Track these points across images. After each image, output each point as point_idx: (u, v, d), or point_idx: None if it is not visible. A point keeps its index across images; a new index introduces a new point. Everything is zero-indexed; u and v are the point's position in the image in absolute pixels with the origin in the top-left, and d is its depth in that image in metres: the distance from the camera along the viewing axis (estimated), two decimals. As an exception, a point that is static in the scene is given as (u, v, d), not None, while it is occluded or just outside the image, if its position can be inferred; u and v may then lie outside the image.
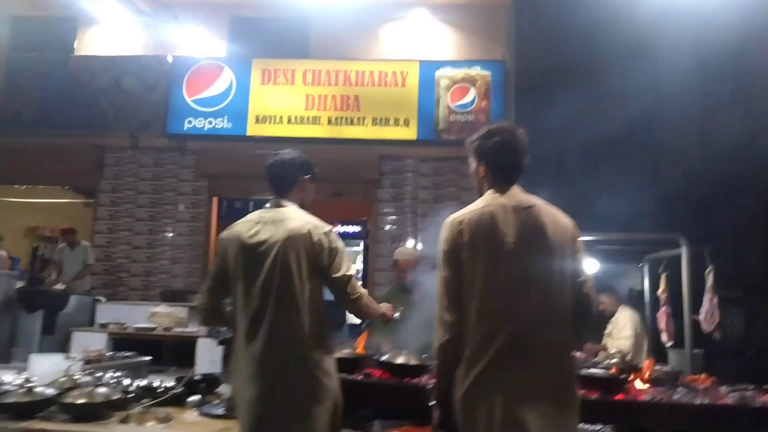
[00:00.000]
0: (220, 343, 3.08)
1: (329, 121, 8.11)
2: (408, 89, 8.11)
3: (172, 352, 5.87)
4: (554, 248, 1.83)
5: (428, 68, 8.12)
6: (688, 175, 7.83)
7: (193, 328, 5.66)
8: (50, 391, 2.75)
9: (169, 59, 8.31)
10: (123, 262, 8.21)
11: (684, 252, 5.12)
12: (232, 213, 9.84)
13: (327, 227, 2.28)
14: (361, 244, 8.77)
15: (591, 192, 7.30)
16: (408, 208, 8.21)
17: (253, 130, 8.16)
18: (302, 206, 2.41)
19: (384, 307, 2.69)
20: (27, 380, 2.82)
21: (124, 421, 2.68)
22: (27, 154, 8.31)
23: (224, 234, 2.43)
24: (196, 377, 3.30)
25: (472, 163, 2.11)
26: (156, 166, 8.40)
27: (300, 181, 2.43)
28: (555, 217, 1.93)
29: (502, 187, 1.96)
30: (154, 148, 8.38)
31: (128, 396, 2.85)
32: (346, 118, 8.11)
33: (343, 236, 8.79)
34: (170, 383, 3.23)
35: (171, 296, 7.55)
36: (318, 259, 2.20)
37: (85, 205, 13.13)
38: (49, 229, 12.00)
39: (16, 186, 9.70)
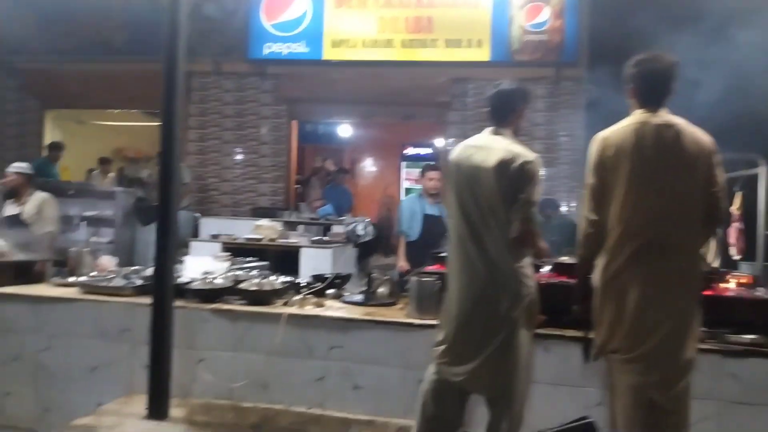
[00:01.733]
0: (356, 246, 3.57)
1: (402, 44, 8.30)
2: (481, 9, 8.15)
3: (275, 259, 6.58)
4: (691, 162, 2.17)
5: (502, -14, 8.12)
6: None
7: (294, 240, 6.30)
8: (226, 282, 3.38)
9: (248, -17, 8.54)
10: (213, 181, 8.88)
11: (762, 171, 5.34)
12: (311, 136, 10.40)
13: (531, 156, 2.40)
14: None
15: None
16: (479, 130, 8.46)
17: (329, 54, 8.43)
18: (516, 133, 2.56)
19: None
20: (206, 273, 3.45)
21: (288, 305, 3.30)
22: (118, 80, 8.87)
23: (455, 155, 2.61)
24: (327, 276, 3.90)
25: (626, 86, 2.38)
26: (238, 90, 8.85)
27: (518, 110, 2.56)
28: (694, 134, 2.24)
29: (649, 108, 2.27)
30: (236, 73, 8.80)
31: (286, 286, 3.46)
32: (419, 41, 8.27)
33: (415, 158, 9.26)
34: (306, 280, 3.84)
35: (261, 213, 8.24)
36: (516, 185, 2.33)
37: (158, 127, 13.90)
38: (133, 150, 12.87)
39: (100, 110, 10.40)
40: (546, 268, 3.00)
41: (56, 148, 8.28)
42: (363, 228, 3.46)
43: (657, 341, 2.06)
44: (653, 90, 2.29)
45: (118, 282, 3.44)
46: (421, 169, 5.02)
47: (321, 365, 3.05)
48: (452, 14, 8.17)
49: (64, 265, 4.47)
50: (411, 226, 4.70)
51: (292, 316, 3.08)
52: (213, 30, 8.62)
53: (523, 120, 2.62)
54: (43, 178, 8.06)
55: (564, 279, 2.96)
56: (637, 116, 2.28)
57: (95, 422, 2.77)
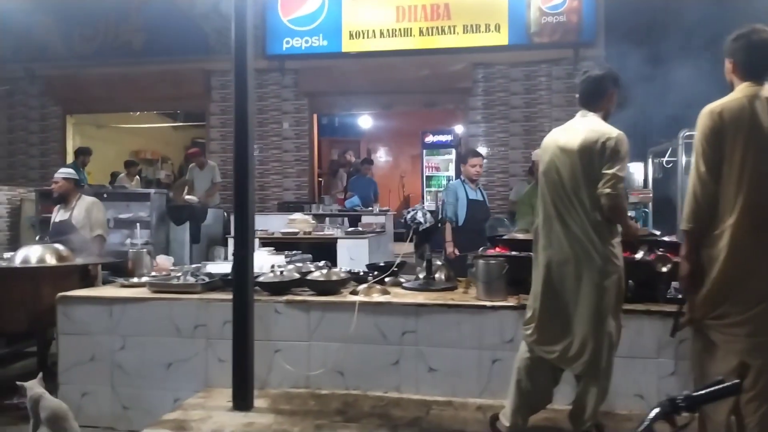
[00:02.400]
0: (415, 231, 3.62)
1: (420, 32, 8.33)
2: (498, -6, 8.18)
3: (311, 252, 6.66)
4: None
5: (518, -30, 8.12)
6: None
7: (330, 231, 6.38)
8: (293, 275, 3.45)
9: (262, -20, 8.57)
10: (237, 179, 8.94)
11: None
12: (331, 129, 10.44)
13: (614, 132, 2.42)
14: (453, 151, 9.19)
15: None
16: (499, 114, 8.52)
17: (347, 46, 8.48)
18: (606, 117, 2.58)
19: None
20: (275, 267, 3.52)
21: (354, 293, 3.37)
22: (139, 82, 8.95)
23: (546, 138, 2.70)
24: (383, 264, 3.97)
25: (726, 61, 2.38)
26: (259, 87, 8.88)
27: (609, 94, 2.58)
28: None
29: (755, 81, 2.27)
30: (256, 69, 8.73)
31: (350, 276, 3.53)
32: (437, 28, 8.30)
33: (435, 145, 9.31)
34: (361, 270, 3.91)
35: (288, 207, 8.32)
36: (600, 162, 2.38)
37: (174, 129, 13.99)
38: (150, 152, 12.95)
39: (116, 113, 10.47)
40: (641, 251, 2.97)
41: (84, 152, 8.36)
42: (422, 215, 3.49)
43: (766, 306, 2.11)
44: (757, 63, 2.28)
45: (188, 279, 3.51)
46: (462, 155, 5.08)
47: (395, 350, 3.12)
48: (469, 0, 8.18)
49: (112, 267, 4.57)
50: (456, 212, 4.77)
51: (364, 304, 3.15)
52: (230, 28, 8.65)
53: (613, 103, 2.63)
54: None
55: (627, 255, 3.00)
56: (745, 89, 2.26)
57: (184, 416, 2.84)
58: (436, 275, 3.67)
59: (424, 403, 2.99)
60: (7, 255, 4.79)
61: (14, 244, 8.15)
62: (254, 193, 3.06)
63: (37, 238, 7.92)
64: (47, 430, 3.19)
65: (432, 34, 8.31)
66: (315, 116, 9.08)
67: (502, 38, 8.18)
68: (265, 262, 4.04)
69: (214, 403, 3.03)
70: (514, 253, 3.26)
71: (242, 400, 2.93)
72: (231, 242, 7.06)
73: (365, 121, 11.34)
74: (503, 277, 3.11)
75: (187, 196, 7.82)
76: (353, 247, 6.11)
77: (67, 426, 3.15)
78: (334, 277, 3.40)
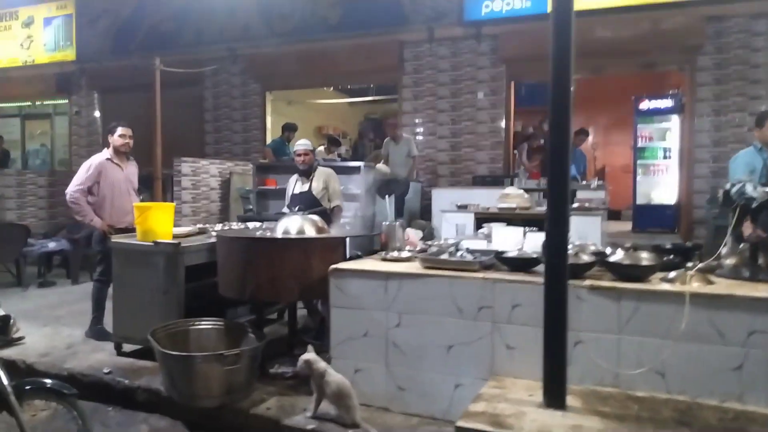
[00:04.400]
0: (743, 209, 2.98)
1: (642, -15, 7.37)
2: (741, -67, 6.95)
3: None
4: None
5: None
6: None
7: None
8: (592, 257, 3.01)
9: (461, -58, 8.13)
10: (430, 152, 8.72)
11: None
12: (529, 98, 9.83)
13: None
14: (673, 118, 8.12)
15: None
16: (735, 75, 7.32)
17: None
18: None
19: None
20: (575, 245, 3.12)
21: (667, 281, 2.85)
22: (334, 57, 9.02)
23: None
24: (668, 246, 3.39)
25: None
26: (453, 56, 8.54)
27: None
28: None
29: None
30: (450, 38, 8.49)
31: (661, 261, 3.01)
32: (662, -21, 7.28)
33: (653, 112, 8.30)
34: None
35: (483, 181, 7.92)
36: None
37: (349, 105, 14.22)
38: (331, 128, 13.29)
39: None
40: None
41: (290, 128, 8.63)
42: (752, 188, 2.85)
43: None
44: None
45: (465, 257, 3.23)
46: (756, 119, 4.25)
47: (737, 352, 2.57)
48: (702, -57, 7.06)
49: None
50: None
51: (697, 296, 2.62)
52: (426, -5, 8.36)
53: None
54: (279, 156, 8.49)
55: None
56: None
57: (492, 409, 2.55)
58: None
59: (786, 421, 2.42)
60: (249, 225, 4.93)
61: (224, 214, 8.70)
62: (569, 165, 2.63)
63: (246, 209, 8.39)
64: (330, 405, 3.11)
65: (655, -13, 7.31)
66: (512, 84, 8.51)
67: (743, -15, 6.96)
68: (516, 239, 3.68)
69: (515, 395, 2.71)
70: None
71: (555, 398, 2.57)
72: (437, 216, 6.85)
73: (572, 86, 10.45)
74: None
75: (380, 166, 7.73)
76: (582, 224, 5.52)
77: (350, 404, 3.04)
78: (644, 262, 2.91)
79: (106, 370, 3.91)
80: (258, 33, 9.38)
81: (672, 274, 2.88)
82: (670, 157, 8.20)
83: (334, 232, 4.02)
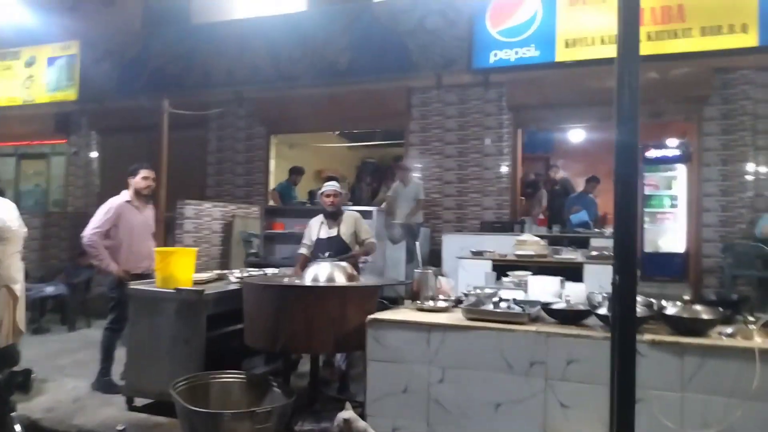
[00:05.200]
0: None
1: (649, 37, 7.50)
2: (744, -10, 7.17)
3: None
4: None
5: (770, -39, 7.07)
6: None
7: (572, 255, 5.78)
8: (642, 310, 2.91)
9: (469, -7, 8.29)
10: (436, 197, 8.67)
11: None
12: (530, 145, 9.90)
13: None
14: (679, 167, 8.19)
15: None
16: (742, 125, 7.44)
17: (562, 55, 7.86)
18: None
19: None
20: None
21: (727, 335, 2.74)
22: (343, 102, 9.05)
23: None
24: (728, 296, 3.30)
25: None
26: (461, 102, 8.61)
27: None
28: None
29: None
30: (458, 85, 8.57)
31: (721, 314, 2.90)
32: (669, 32, 7.43)
33: (660, 161, 8.37)
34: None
35: (490, 227, 7.85)
36: None
37: (348, 149, 14.26)
38: (331, 171, 13.25)
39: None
40: None
41: (298, 171, 8.57)
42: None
43: None
44: None
45: (513, 308, 3.10)
46: None
47: (811, 414, 2.45)
48: (708, 0, 7.26)
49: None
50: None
51: (763, 351, 2.51)
52: (434, 43, 8.45)
53: None
54: (286, 200, 8.39)
55: None
56: None
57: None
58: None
59: None
60: (268, 271, 4.77)
61: (226, 259, 8.52)
62: (637, 209, 2.55)
63: (249, 253, 8.22)
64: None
65: (663, 39, 7.46)
66: (519, 131, 8.57)
67: (749, 39, 7.11)
68: (546, 288, 3.59)
69: (577, 459, 2.55)
70: None
71: (624, 462, 2.40)
72: (448, 262, 6.73)
73: (582, 135, 10.56)
74: None
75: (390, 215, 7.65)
76: (602, 273, 5.43)
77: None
78: (704, 315, 2.80)
79: (119, 427, 3.65)
80: (266, 77, 9.38)
81: (730, 329, 2.78)
82: (676, 206, 8.24)
83: (365, 279, 3.88)
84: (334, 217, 4.68)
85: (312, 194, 9.88)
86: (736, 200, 7.44)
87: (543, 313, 3.14)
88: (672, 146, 8.16)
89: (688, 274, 7.93)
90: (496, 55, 8.21)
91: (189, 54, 9.60)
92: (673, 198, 8.18)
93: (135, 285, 4.06)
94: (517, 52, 8.10)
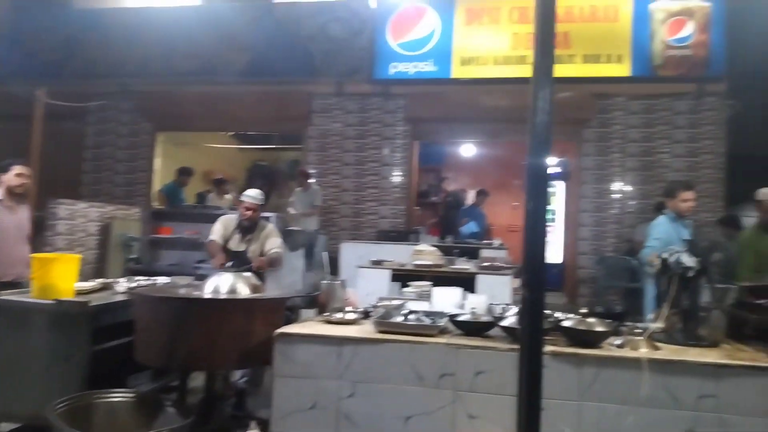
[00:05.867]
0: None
1: (536, 61, 8.03)
2: (621, 24, 7.91)
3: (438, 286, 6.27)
4: None
5: (642, 0, 7.86)
6: None
7: (467, 265, 5.99)
8: (550, 323, 3.05)
9: (373, 3, 8.38)
10: (332, 204, 8.63)
11: None
12: (424, 156, 10.11)
13: None
14: (558, 184, 8.81)
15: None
16: (615, 147, 8.16)
17: (458, 72, 8.21)
18: None
19: None
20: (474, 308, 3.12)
21: (617, 346, 2.96)
22: (239, 102, 8.74)
23: None
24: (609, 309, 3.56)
25: None
26: (361, 111, 8.64)
27: None
28: None
29: None
30: (359, 93, 8.60)
31: (613, 326, 3.11)
32: (555, 56, 7.99)
33: (542, 177, 8.91)
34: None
35: (387, 236, 7.95)
36: None
37: (238, 150, 13.80)
38: (220, 172, 12.71)
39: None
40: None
41: (186, 173, 8.11)
42: (688, 257, 3.09)
43: None
44: None
45: (422, 320, 3.12)
46: (666, 190, 4.66)
47: (689, 416, 2.69)
48: (590, 29, 7.93)
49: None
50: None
51: (652, 362, 2.73)
52: (337, 51, 8.46)
53: None
54: (173, 202, 7.91)
55: None
56: None
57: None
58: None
59: (738, 482, 2.55)
60: (160, 280, 4.46)
61: (101, 264, 7.86)
62: (546, 231, 2.67)
63: (129, 258, 7.63)
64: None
65: (549, 63, 8.00)
66: (416, 143, 8.77)
67: (624, 69, 7.87)
68: (449, 299, 3.69)
69: (485, 469, 2.62)
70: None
71: (529, 470, 2.50)
72: (346, 270, 6.70)
73: (472, 150, 10.95)
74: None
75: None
76: (495, 284, 5.70)
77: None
78: (598, 327, 3.00)
79: (-19, 457, 3.22)
80: (156, 70, 8.84)
81: (619, 340, 3.00)
82: (554, 220, 8.84)
83: (270, 290, 3.74)
84: (248, 230, 4.46)
85: (201, 197, 9.44)
86: (608, 216, 8.14)
87: (450, 325, 3.20)
88: (553, 164, 8.75)
89: (564, 284, 8.53)
90: (396, 67, 8.37)
91: (69, 40, 8.81)
92: (553, 212, 8.77)
93: (5, 295, 3.60)
94: (416, 66, 8.33)
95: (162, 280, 4.53)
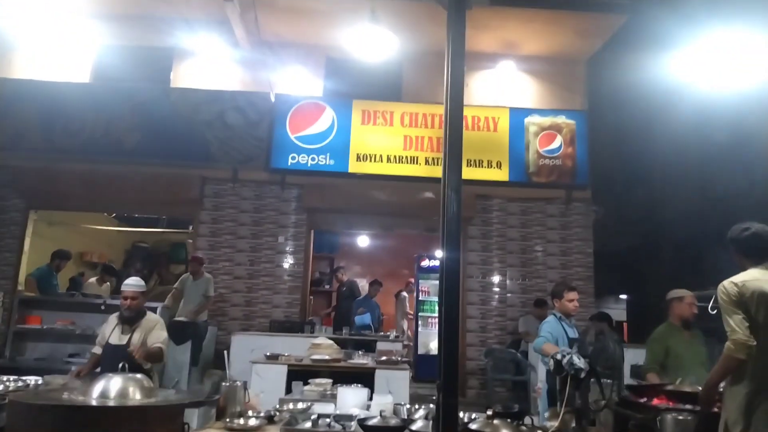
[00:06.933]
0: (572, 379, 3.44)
1: (426, 162, 8.60)
2: (500, 134, 8.74)
3: (337, 381, 6.13)
4: None
5: (518, 115, 8.80)
6: None
7: (365, 360, 5.96)
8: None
9: (272, 97, 8.60)
10: (224, 292, 8.31)
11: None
12: (321, 244, 10.15)
13: None
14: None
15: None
16: (496, 244, 8.77)
17: (354, 167, 8.52)
18: None
19: None
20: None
21: (519, 447, 3.08)
22: (126, 182, 8.35)
23: (741, 281, 2.92)
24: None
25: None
26: (256, 198, 8.61)
27: None
28: None
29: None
30: (255, 181, 8.60)
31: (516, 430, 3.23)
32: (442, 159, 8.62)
33: (430, 270, 9.29)
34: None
35: (281, 327, 7.75)
36: None
37: (119, 232, 13.02)
38: (97, 254, 11.81)
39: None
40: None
41: (62, 256, 7.47)
42: (578, 358, 3.34)
43: None
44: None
45: (334, 426, 3.05)
46: (553, 291, 5.01)
47: None
48: (474, 137, 8.65)
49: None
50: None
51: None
52: (234, 138, 8.48)
53: None
54: (45, 288, 7.21)
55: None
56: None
57: None
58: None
59: None
60: (33, 381, 3.99)
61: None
62: (458, 335, 2.80)
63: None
64: None
65: (438, 164, 8.58)
66: (312, 232, 8.83)
67: (503, 174, 8.62)
68: (354, 400, 3.68)
69: None
70: (688, 406, 3.17)
71: None
72: (237, 364, 6.38)
73: (366, 240, 11.16)
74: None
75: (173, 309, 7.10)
76: (393, 378, 5.71)
77: None
78: (504, 429, 3.10)
79: None
80: (33, 144, 8.25)
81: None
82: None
83: (163, 396, 3.46)
84: (130, 322, 4.16)
85: (74, 282, 8.69)
86: (492, 309, 8.60)
87: (360, 430, 3.16)
88: (435, 258, 9.18)
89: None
90: (294, 158, 8.53)
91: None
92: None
93: None
94: (313, 159, 8.54)
95: (33, 379, 4.04)
